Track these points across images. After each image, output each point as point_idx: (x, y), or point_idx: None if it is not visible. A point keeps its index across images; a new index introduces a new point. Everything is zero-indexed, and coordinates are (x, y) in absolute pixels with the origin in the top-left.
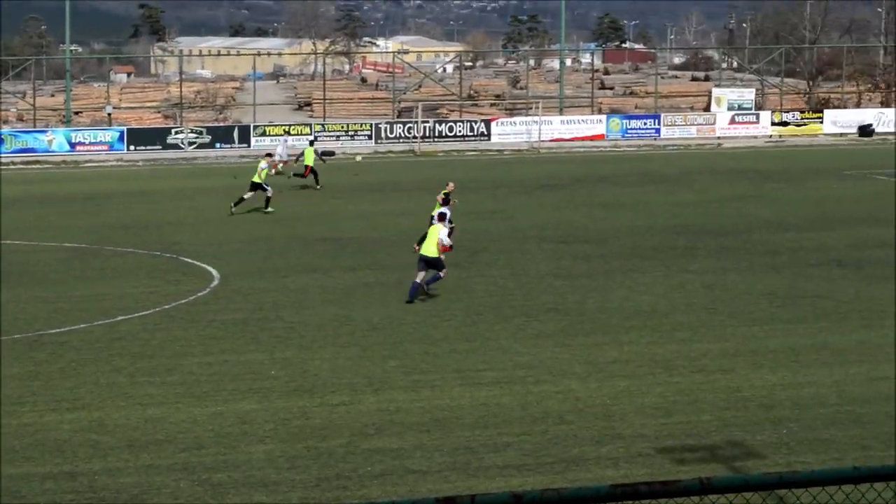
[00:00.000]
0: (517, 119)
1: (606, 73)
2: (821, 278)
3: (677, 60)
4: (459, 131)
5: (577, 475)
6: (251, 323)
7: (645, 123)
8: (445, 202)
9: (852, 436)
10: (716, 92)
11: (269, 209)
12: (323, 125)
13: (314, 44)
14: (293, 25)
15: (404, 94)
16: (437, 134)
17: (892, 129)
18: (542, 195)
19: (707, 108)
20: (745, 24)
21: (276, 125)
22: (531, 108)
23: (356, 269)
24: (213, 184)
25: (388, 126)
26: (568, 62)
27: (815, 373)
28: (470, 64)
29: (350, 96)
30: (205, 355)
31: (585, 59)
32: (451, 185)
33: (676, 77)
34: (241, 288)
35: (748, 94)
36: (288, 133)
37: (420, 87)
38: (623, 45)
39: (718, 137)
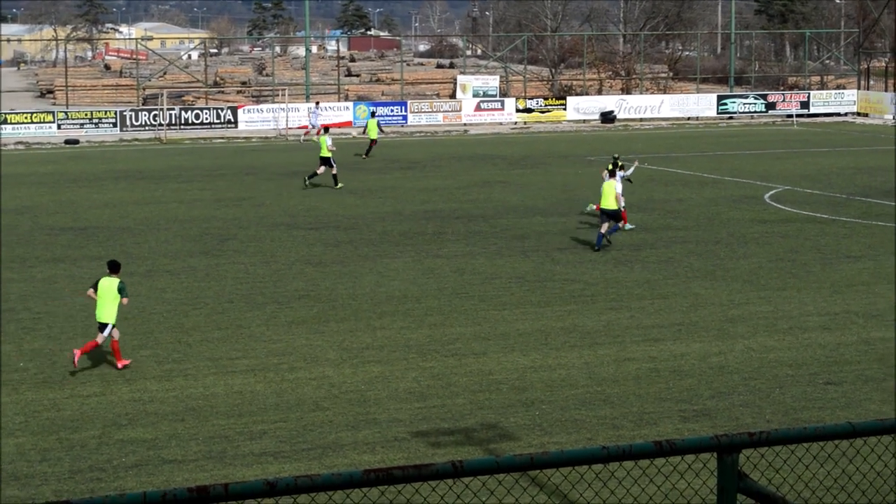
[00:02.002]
0: (264, 106)
1: (353, 60)
2: (568, 262)
3: (422, 48)
4: (206, 118)
5: (333, 461)
6: None
7: (392, 110)
8: (616, 167)
9: (602, 416)
10: (461, 79)
11: (340, 185)
12: (66, 113)
13: (55, 30)
14: (33, 11)
15: (149, 81)
16: (183, 121)
17: (633, 116)
18: (291, 182)
19: (453, 95)
20: (487, 13)
21: (18, 113)
22: (278, 95)
23: (104, 259)
24: None
25: (134, 114)
26: (314, 49)
27: (565, 355)
28: (215, 51)
29: (94, 83)
30: None
31: (331, 46)
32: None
33: (422, 64)
34: None
35: (493, 82)
36: (317, 104)
37: (165, 74)
38: (368, 33)
39: (465, 124)
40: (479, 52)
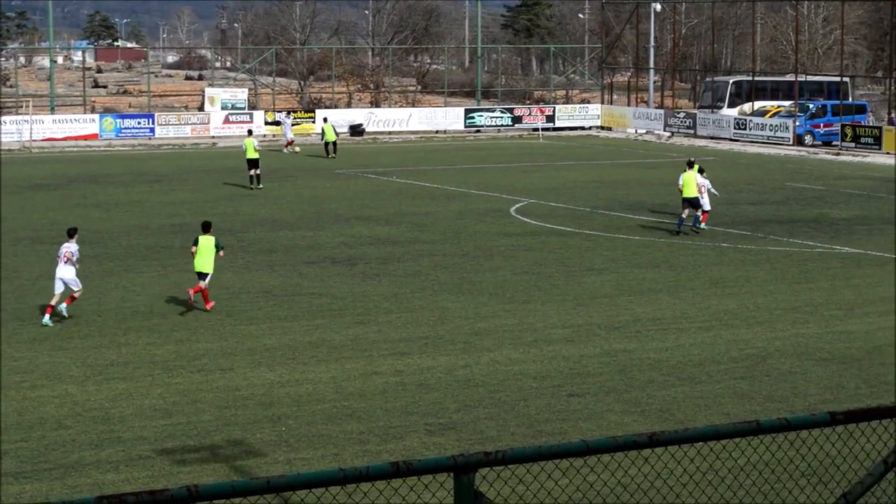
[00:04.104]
0: (7, 118)
1: (99, 71)
2: (315, 276)
3: (171, 59)
4: None
5: (76, 481)
6: None
7: (139, 123)
8: (692, 165)
9: (349, 431)
10: (209, 91)
11: (260, 185)
12: None
13: None
14: None
15: None
16: None
17: (381, 129)
18: (35, 196)
19: (201, 108)
20: (236, 25)
21: None
22: (22, 107)
23: None
24: None
25: None
26: (59, 60)
27: (312, 370)
28: None
29: None
30: None
31: (77, 56)
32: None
33: (170, 76)
34: None
35: (241, 94)
36: (288, 114)
37: None
38: (115, 44)
39: (213, 137)
40: (228, 64)
